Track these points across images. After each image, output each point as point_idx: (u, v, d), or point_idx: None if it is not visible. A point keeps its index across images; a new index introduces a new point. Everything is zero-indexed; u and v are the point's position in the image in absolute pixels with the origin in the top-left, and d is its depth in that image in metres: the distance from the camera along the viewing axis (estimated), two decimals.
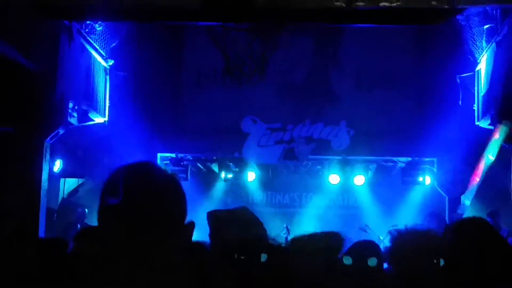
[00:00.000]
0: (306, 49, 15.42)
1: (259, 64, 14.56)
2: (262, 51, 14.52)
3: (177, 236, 2.02)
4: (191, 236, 2.08)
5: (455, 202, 14.71)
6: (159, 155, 15.38)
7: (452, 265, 3.65)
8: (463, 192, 14.63)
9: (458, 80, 13.40)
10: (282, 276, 3.04)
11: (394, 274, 3.57)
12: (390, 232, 4.26)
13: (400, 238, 3.70)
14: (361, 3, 8.74)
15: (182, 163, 15.44)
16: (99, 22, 12.25)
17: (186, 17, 9.98)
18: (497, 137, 5.14)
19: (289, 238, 12.98)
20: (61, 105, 11.61)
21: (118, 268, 1.93)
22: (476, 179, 4.73)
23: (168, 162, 15.33)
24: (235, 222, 4.00)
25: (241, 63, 14.88)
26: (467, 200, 4.30)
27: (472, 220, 6.06)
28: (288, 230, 13.47)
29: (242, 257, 3.46)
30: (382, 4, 8.71)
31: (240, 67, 14.80)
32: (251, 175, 15.31)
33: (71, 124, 12.58)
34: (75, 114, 12.53)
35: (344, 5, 8.74)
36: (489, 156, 4.99)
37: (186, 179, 15.33)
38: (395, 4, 8.72)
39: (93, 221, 14.24)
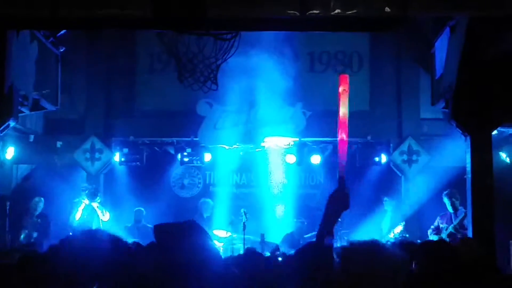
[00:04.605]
0: (260, 33, 15.17)
1: (212, 72, 14.32)
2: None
3: None
4: None
5: (411, 181, 14.94)
6: (114, 139, 15.17)
7: None
8: (417, 172, 14.86)
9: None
10: None
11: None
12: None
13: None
14: (315, 12, 8.60)
15: (137, 147, 15.26)
16: None
17: (137, 25, 9.77)
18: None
19: (246, 223, 13.14)
20: (11, 97, 11.40)
21: None
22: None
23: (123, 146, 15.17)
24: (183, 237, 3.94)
25: (194, 69, 14.63)
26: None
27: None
28: (245, 215, 13.48)
29: None
30: (335, 12, 8.59)
31: (192, 73, 14.55)
32: (207, 156, 15.20)
33: (22, 113, 12.40)
34: (26, 103, 12.33)
35: (297, 13, 8.60)
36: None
37: (142, 163, 15.21)
38: (349, 12, 8.61)
39: (47, 209, 14.13)
